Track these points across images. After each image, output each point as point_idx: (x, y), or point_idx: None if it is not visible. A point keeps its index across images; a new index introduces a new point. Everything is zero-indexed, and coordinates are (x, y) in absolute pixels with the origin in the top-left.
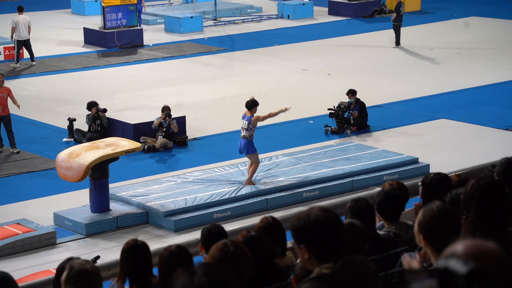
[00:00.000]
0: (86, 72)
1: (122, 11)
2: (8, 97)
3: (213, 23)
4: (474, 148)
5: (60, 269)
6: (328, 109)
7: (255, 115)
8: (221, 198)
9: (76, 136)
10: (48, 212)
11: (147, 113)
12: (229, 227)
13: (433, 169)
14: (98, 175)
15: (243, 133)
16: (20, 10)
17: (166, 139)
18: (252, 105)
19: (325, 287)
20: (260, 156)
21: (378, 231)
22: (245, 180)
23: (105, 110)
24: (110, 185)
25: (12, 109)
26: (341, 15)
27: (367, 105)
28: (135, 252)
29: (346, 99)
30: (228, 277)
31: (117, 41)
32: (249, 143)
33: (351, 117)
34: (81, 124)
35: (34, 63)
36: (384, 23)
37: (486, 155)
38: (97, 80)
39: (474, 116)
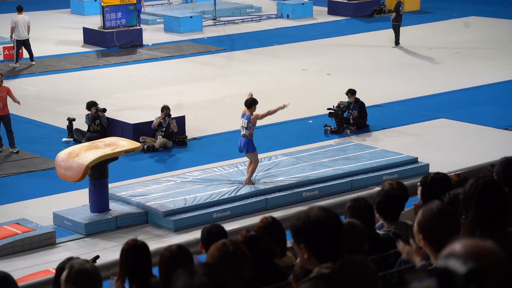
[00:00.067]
0: (86, 72)
1: (122, 11)
2: (8, 97)
3: (213, 22)
4: (473, 148)
5: (59, 269)
6: (328, 109)
7: (254, 113)
8: (220, 198)
9: (76, 136)
10: (48, 212)
11: (147, 112)
12: (228, 227)
13: (432, 169)
14: (98, 175)
15: (243, 131)
16: (20, 10)
17: (165, 139)
18: (251, 103)
19: (325, 287)
20: (260, 155)
21: (378, 231)
22: (245, 180)
23: (104, 110)
24: (110, 185)
25: (12, 109)
26: (341, 14)
27: (366, 105)
28: (134, 252)
29: (345, 98)
30: (228, 277)
31: (116, 41)
32: (249, 141)
33: (351, 116)
34: (81, 124)
35: (33, 63)
36: (383, 23)
37: (486, 154)
38: (97, 80)
39: (473, 115)
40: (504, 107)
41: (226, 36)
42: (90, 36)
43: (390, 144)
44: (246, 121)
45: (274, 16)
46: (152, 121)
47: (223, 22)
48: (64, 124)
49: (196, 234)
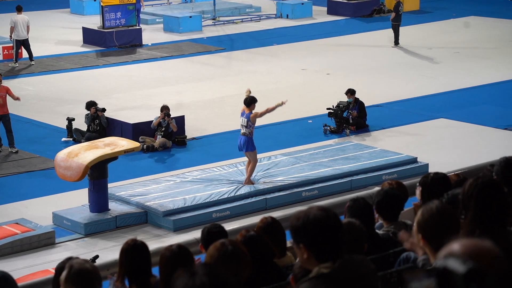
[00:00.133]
0: (85, 72)
1: (121, 11)
2: (8, 96)
3: (212, 22)
4: (473, 148)
5: (59, 269)
6: (327, 109)
7: (253, 111)
8: (220, 198)
9: (75, 136)
10: (47, 212)
11: (146, 112)
12: (228, 226)
13: (432, 169)
14: (97, 174)
15: (243, 130)
16: (19, 9)
17: (165, 139)
18: (250, 101)
19: (324, 287)
20: (259, 155)
21: (377, 231)
22: (244, 180)
23: (104, 110)
24: (109, 185)
25: (11, 109)
26: (340, 14)
27: (366, 105)
28: (134, 252)
29: (345, 98)
30: (229, 277)
31: (116, 41)
32: (249, 140)
33: (350, 116)
34: (80, 124)
35: (33, 62)
36: (383, 23)
37: (485, 154)
38: (96, 79)
39: (473, 115)
40: (504, 107)
41: (225, 36)
42: (89, 36)
43: (389, 144)
44: (246, 119)
45: (274, 16)
46: (152, 121)
47: (222, 22)
48: (63, 124)
49: (195, 234)
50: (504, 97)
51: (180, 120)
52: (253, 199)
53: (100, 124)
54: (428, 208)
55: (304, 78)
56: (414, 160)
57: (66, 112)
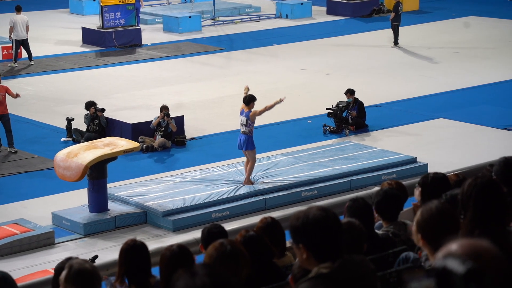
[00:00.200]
0: (84, 72)
1: (121, 11)
2: (8, 97)
3: (212, 22)
4: (472, 148)
5: (58, 269)
6: (327, 109)
7: (252, 110)
8: (219, 198)
9: (74, 136)
10: (46, 212)
11: (146, 112)
12: (228, 227)
13: (431, 169)
14: (96, 174)
15: (243, 129)
16: (18, 9)
17: (164, 139)
18: (249, 100)
19: (323, 287)
20: (259, 155)
21: (377, 231)
22: (244, 180)
23: (103, 110)
24: (109, 185)
25: (11, 109)
26: (340, 14)
27: (365, 105)
28: (133, 252)
29: (344, 98)
30: (230, 277)
31: (115, 41)
32: (249, 138)
33: (350, 116)
34: (79, 124)
35: (32, 62)
36: (382, 23)
37: (485, 154)
38: (95, 79)
39: (472, 115)
40: (503, 107)
41: (225, 36)
42: (89, 36)
43: (389, 144)
44: (245, 118)
45: (273, 16)
46: (151, 121)
47: (222, 22)
48: (63, 124)
49: (195, 234)
50: (504, 97)
51: (180, 120)
52: (253, 199)
53: (99, 124)
54: (428, 208)
55: (303, 78)
56: (413, 160)
57: (65, 112)
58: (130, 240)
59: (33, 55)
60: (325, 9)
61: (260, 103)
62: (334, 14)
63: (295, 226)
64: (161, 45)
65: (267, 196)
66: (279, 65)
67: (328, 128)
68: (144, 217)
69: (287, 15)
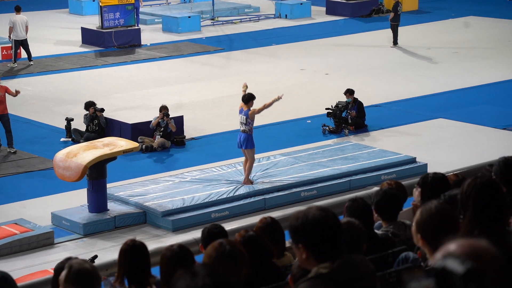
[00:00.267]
0: (84, 72)
1: (120, 11)
2: (8, 96)
3: (211, 22)
4: (472, 148)
5: (58, 269)
6: (326, 109)
7: (251, 108)
8: (219, 198)
9: (74, 136)
10: (46, 212)
11: (145, 112)
12: (227, 227)
13: (431, 169)
14: (96, 175)
15: (242, 127)
16: (18, 10)
17: (164, 139)
18: (248, 98)
19: (323, 287)
20: (258, 155)
21: (376, 231)
22: (243, 180)
23: (102, 110)
24: (108, 185)
25: (10, 109)
26: (339, 14)
27: (364, 105)
28: (133, 253)
29: (344, 98)
30: (230, 277)
31: (114, 41)
32: (249, 137)
33: (349, 116)
34: (79, 124)
35: (31, 63)
36: (381, 23)
37: (484, 154)
38: (95, 80)
39: (472, 115)
40: (503, 107)
41: (224, 36)
42: (88, 36)
43: (388, 144)
44: (244, 116)
45: (272, 16)
46: (151, 121)
47: (221, 22)
48: (62, 124)
49: (194, 234)
50: (503, 97)
51: (179, 120)
52: (252, 199)
53: (99, 124)
54: (427, 208)
55: (303, 78)
56: (413, 160)
57: (65, 112)
58: (130, 240)
59: (33, 55)
60: (324, 9)
61: (260, 103)
62: (333, 14)
63: (294, 226)
64: (161, 45)
65: (267, 196)
66: (279, 65)
67: (327, 128)
68: (144, 217)
69: (286, 15)
